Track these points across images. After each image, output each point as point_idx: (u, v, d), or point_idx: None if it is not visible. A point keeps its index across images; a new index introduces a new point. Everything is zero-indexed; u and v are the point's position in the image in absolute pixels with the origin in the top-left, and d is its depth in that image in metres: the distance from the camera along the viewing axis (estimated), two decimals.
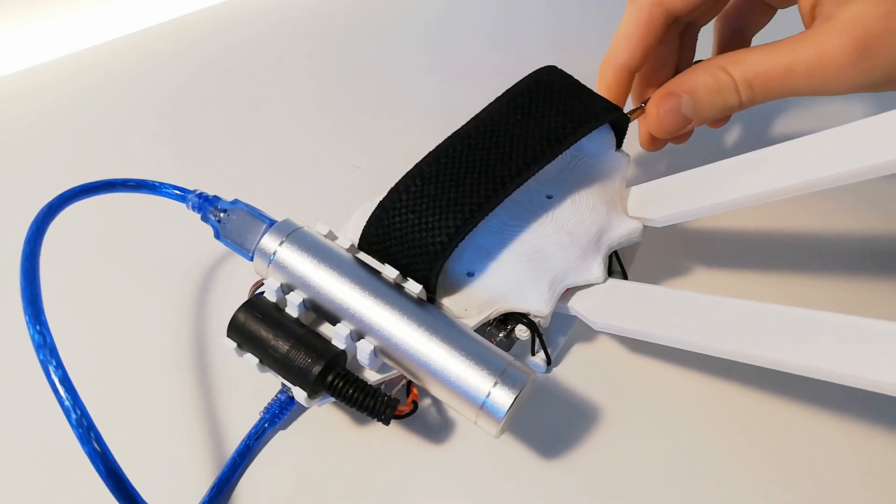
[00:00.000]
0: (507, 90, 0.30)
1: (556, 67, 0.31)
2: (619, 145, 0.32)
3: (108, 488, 0.22)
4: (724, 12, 0.34)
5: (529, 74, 0.30)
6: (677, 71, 0.33)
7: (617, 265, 0.32)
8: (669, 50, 0.34)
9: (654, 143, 0.34)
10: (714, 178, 0.29)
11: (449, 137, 0.28)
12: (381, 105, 0.45)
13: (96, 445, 0.22)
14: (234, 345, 0.26)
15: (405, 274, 0.26)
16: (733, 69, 0.28)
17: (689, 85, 0.29)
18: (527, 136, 0.28)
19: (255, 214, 0.28)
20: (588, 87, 0.30)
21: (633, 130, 0.33)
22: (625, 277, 0.32)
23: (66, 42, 0.51)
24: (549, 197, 0.30)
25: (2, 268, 0.33)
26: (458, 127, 0.29)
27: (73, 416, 0.22)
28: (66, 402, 0.22)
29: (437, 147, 0.28)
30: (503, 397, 0.23)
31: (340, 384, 0.24)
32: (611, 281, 0.29)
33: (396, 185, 0.27)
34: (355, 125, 0.44)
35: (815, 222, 0.36)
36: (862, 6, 0.25)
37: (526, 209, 0.30)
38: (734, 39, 0.34)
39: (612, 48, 0.31)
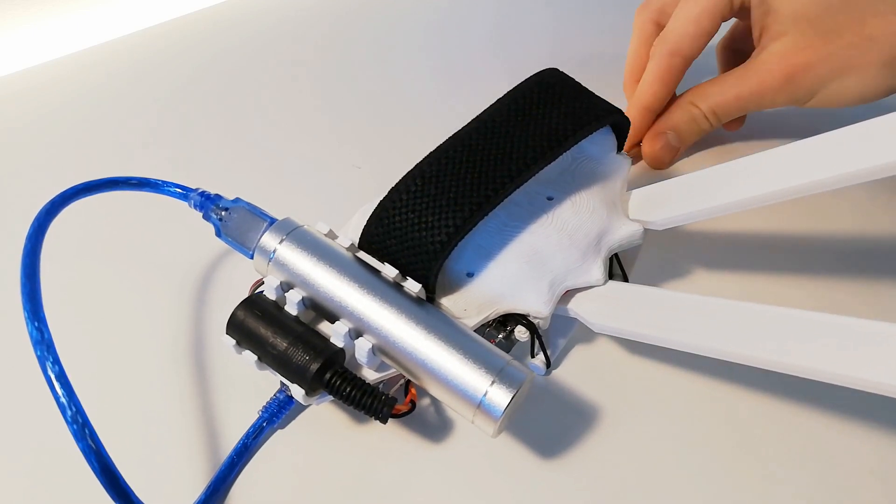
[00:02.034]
0: (508, 92, 0.30)
1: (558, 70, 0.31)
2: (620, 148, 0.32)
3: (102, 485, 0.22)
4: (723, 43, 0.43)
5: (531, 76, 0.30)
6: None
7: (618, 268, 0.32)
8: None
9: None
10: (714, 181, 0.29)
11: (450, 138, 0.28)
12: (382, 105, 0.45)
13: (91, 442, 0.22)
14: (233, 342, 0.26)
15: (405, 273, 0.26)
16: (700, 103, 0.37)
17: (671, 123, 0.38)
18: (527, 138, 0.28)
19: (256, 213, 0.28)
20: (589, 90, 0.30)
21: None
22: (625, 280, 0.32)
23: (66, 42, 0.51)
24: (550, 198, 0.30)
25: (3, 265, 0.33)
26: (459, 128, 0.29)
27: (69, 412, 0.22)
28: (62, 399, 0.22)
29: (437, 147, 0.28)
30: (500, 396, 0.23)
31: (338, 382, 0.24)
32: (611, 283, 0.29)
33: (397, 184, 0.27)
34: (355, 125, 0.44)
35: (815, 224, 0.36)
36: (788, 41, 0.34)
37: (526, 210, 0.30)
38: (735, 58, 0.42)
39: (638, 92, 0.38)
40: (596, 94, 0.30)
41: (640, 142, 0.39)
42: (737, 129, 0.41)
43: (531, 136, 0.28)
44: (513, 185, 0.27)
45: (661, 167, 0.39)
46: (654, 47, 0.38)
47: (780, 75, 0.34)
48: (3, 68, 0.49)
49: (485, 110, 0.29)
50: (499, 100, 0.29)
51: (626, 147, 0.34)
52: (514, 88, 0.30)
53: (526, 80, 0.30)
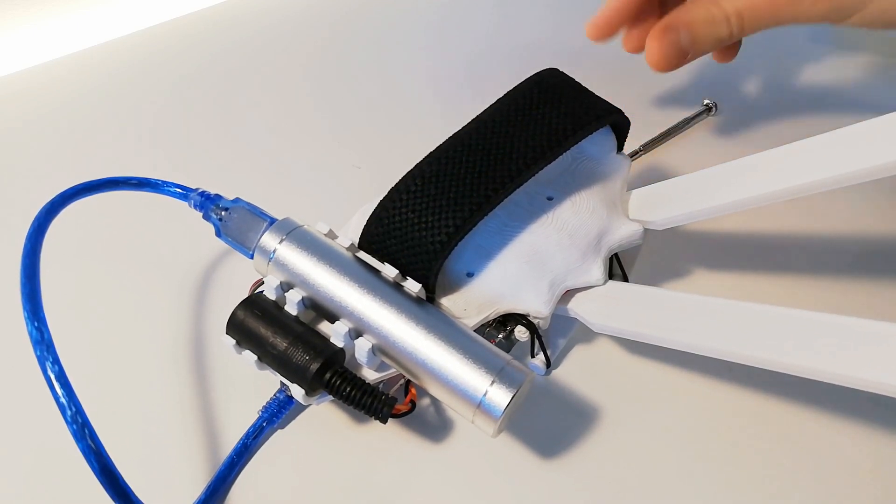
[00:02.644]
0: (508, 92, 0.30)
1: (558, 70, 0.31)
2: (620, 148, 0.32)
3: (102, 485, 0.22)
4: None
5: (531, 76, 0.30)
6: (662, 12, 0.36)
7: (618, 268, 0.32)
8: None
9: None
10: (714, 181, 0.29)
11: (450, 138, 0.28)
12: (382, 105, 0.45)
13: (90, 442, 0.22)
14: (233, 342, 0.26)
15: (405, 273, 0.26)
16: (724, 2, 0.31)
17: (686, 18, 0.32)
18: (527, 138, 0.28)
19: (256, 213, 0.28)
20: (590, 90, 0.30)
21: (634, 124, 0.32)
22: (625, 280, 0.32)
23: (66, 42, 0.51)
24: (550, 198, 0.30)
25: (3, 265, 0.33)
26: (459, 128, 0.29)
27: (69, 412, 0.22)
28: (62, 399, 0.22)
29: (437, 147, 0.28)
30: (500, 396, 0.23)
31: (338, 382, 0.24)
32: (611, 283, 0.29)
33: (397, 184, 0.27)
34: (355, 125, 0.44)
35: (814, 225, 0.36)
36: None
37: (526, 210, 0.30)
38: None
39: None
40: (596, 94, 0.30)
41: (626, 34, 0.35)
42: (729, 61, 0.37)
43: (531, 136, 0.28)
44: (513, 185, 0.27)
45: (664, 69, 0.33)
46: None
47: None
48: (3, 68, 0.49)
49: (485, 110, 0.29)
50: (499, 100, 0.29)
51: (602, 27, 0.34)
52: (513, 88, 0.30)
53: (526, 80, 0.30)
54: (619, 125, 0.31)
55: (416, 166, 0.27)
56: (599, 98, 0.30)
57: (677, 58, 0.32)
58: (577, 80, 0.31)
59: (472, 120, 0.29)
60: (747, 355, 0.24)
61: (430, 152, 0.28)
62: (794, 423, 0.28)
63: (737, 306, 0.25)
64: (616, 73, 0.44)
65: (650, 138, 0.40)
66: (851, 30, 0.30)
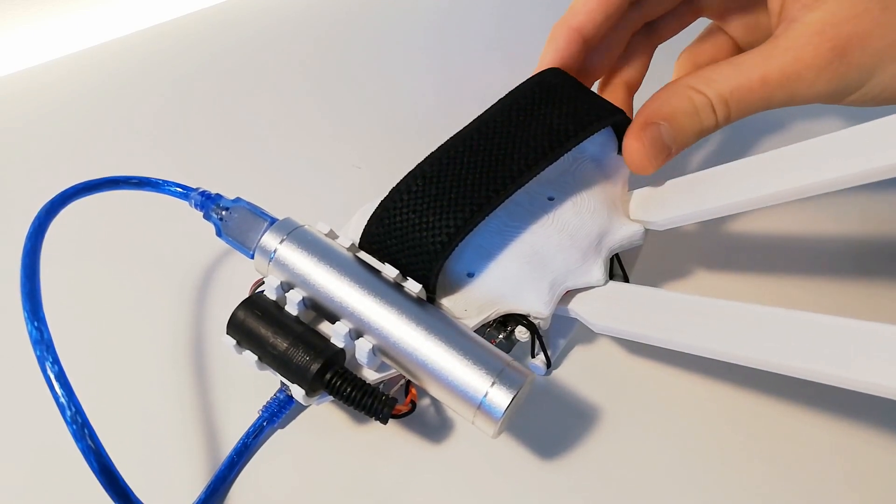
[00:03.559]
0: (509, 92, 0.30)
1: (560, 70, 0.31)
2: (621, 149, 0.32)
3: (102, 485, 0.22)
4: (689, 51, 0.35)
5: (532, 76, 0.30)
6: (627, 83, 0.34)
7: (618, 268, 0.32)
8: (631, 48, 0.34)
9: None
10: (715, 181, 0.29)
11: (451, 138, 0.28)
12: (382, 105, 0.45)
13: (90, 442, 0.22)
14: (234, 342, 0.26)
15: (405, 273, 0.26)
16: (706, 88, 0.27)
17: (665, 111, 0.28)
18: (529, 138, 0.28)
19: (257, 213, 0.28)
20: (591, 90, 0.30)
21: None
22: (626, 280, 0.32)
23: (66, 42, 0.51)
24: (551, 199, 0.30)
25: (2, 264, 0.33)
26: (460, 128, 0.29)
27: (68, 412, 0.22)
28: (62, 399, 0.22)
29: (439, 147, 0.28)
30: (500, 397, 0.23)
31: (339, 382, 0.24)
32: (611, 284, 0.29)
33: (398, 184, 0.27)
34: (355, 125, 0.44)
35: (816, 225, 0.36)
36: (833, 7, 0.25)
37: (527, 211, 0.30)
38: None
39: (567, 12, 0.31)
40: (597, 94, 0.30)
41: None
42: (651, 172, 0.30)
43: (532, 136, 0.28)
44: (514, 186, 0.27)
45: (649, 170, 0.29)
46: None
47: (826, 49, 0.25)
48: (3, 68, 0.49)
49: (486, 110, 0.29)
50: (500, 100, 0.29)
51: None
52: (515, 88, 0.30)
53: (527, 79, 0.30)
54: (621, 125, 0.31)
55: (417, 166, 0.27)
56: (601, 98, 0.30)
57: (659, 156, 0.28)
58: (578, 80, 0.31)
59: (474, 120, 0.29)
60: (747, 357, 0.24)
61: (432, 152, 0.28)
62: (794, 424, 0.28)
63: (737, 307, 0.25)
64: None
65: None
66: None
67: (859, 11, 0.25)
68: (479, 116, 0.29)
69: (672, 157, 0.29)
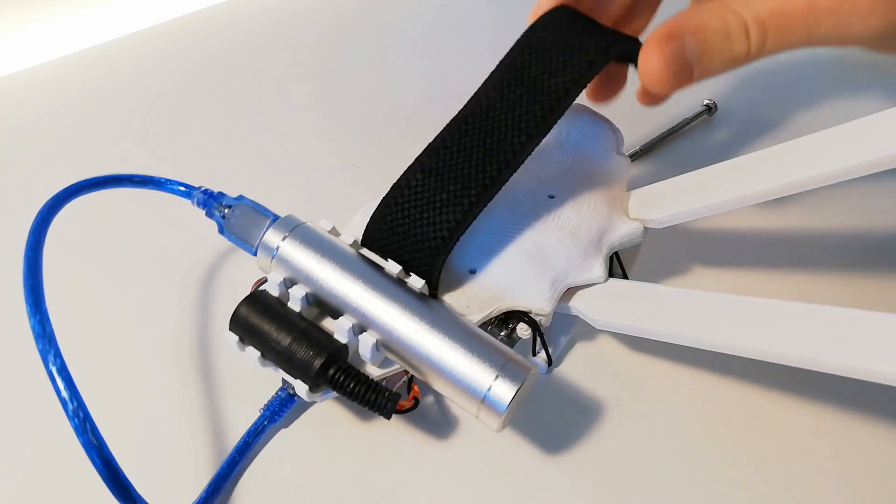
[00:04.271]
0: (503, 57, 0.28)
1: (551, 12, 0.28)
2: (620, 148, 0.32)
3: (104, 480, 0.22)
4: None
5: (523, 32, 0.28)
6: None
7: (618, 266, 0.32)
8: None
9: (650, 96, 0.30)
10: (713, 179, 0.29)
11: (448, 123, 0.28)
12: (382, 105, 0.46)
13: (92, 437, 0.22)
14: (237, 338, 0.26)
15: (408, 269, 0.26)
16: (743, 8, 0.23)
17: (694, 24, 0.23)
18: (522, 111, 0.26)
19: (260, 210, 0.28)
20: (589, 21, 0.27)
21: (634, 125, 0.32)
22: (625, 278, 0.32)
23: (66, 42, 0.51)
24: (552, 196, 0.30)
25: (5, 260, 0.33)
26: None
27: (70, 406, 0.22)
28: (64, 393, 0.22)
29: (437, 136, 0.28)
30: (504, 391, 0.23)
31: (342, 378, 0.24)
32: (611, 280, 0.29)
33: (399, 179, 0.27)
34: (356, 125, 0.44)
35: (811, 220, 0.36)
36: None
37: (528, 208, 0.30)
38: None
39: None
40: (596, 25, 0.27)
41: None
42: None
43: (525, 107, 0.26)
44: (509, 171, 0.26)
45: (666, 90, 0.25)
46: None
47: None
48: (3, 68, 0.49)
49: (479, 87, 0.28)
50: (491, 72, 0.28)
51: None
52: (508, 52, 0.28)
53: (519, 37, 0.28)
54: (627, 54, 0.27)
55: (416, 159, 0.27)
56: (597, 31, 0.27)
57: (682, 75, 0.24)
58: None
59: (470, 98, 0.28)
60: (748, 348, 0.24)
61: (430, 142, 0.27)
62: (796, 419, 0.28)
63: (736, 300, 0.26)
64: None
65: (650, 139, 0.40)
66: None
67: None
68: (473, 95, 0.28)
69: (693, 83, 0.25)
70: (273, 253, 0.26)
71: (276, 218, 0.27)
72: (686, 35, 0.23)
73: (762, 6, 0.23)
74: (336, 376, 0.24)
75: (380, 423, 0.28)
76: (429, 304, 0.25)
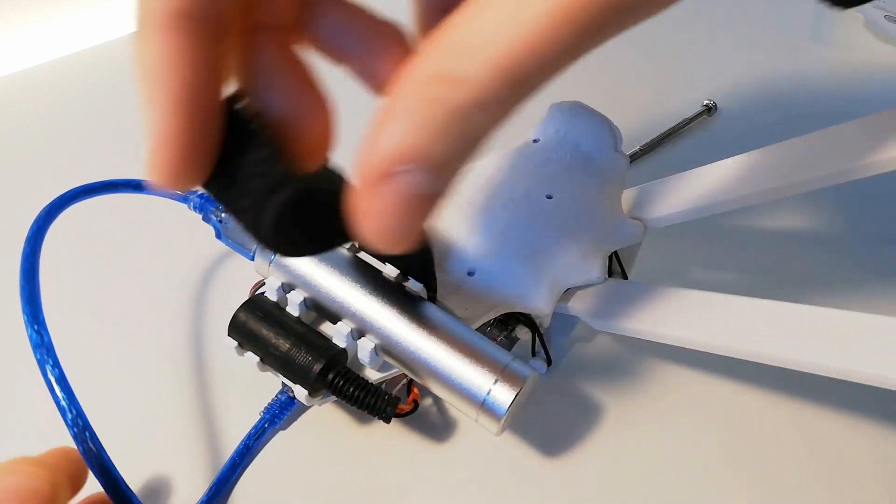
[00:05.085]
0: None
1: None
2: (617, 147, 0.32)
3: (103, 488, 0.22)
4: None
5: None
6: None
7: (617, 266, 0.32)
8: None
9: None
10: (712, 178, 0.29)
11: None
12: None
13: (91, 445, 0.22)
14: (235, 344, 0.26)
15: (406, 273, 0.26)
16: (467, 64, 0.14)
17: (406, 142, 0.14)
18: None
19: None
20: None
21: (634, 125, 0.32)
22: (625, 278, 0.32)
23: (66, 42, 0.51)
24: (549, 197, 0.30)
25: (2, 268, 0.33)
26: None
27: (69, 415, 0.22)
28: (62, 402, 0.22)
29: None
30: (504, 395, 0.23)
31: (341, 382, 0.24)
32: (610, 281, 0.29)
33: None
34: (356, 127, 0.44)
35: (812, 219, 0.36)
36: None
37: (526, 210, 0.30)
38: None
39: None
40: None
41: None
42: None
43: None
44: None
45: (399, 249, 0.16)
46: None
47: None
48: (3, 68, 0.49)
49: None
50: None
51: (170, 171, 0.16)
52: None
53: None
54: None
55: None
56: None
57: (417, 218, 0.15)
58: (576, 82, 0.28)
59: None
60: (748, 350, 0.24)
61: None
62: (796, 419, 0.28)
63: (736, 301, 0.26)
64: (615, 73, 0.43)
65: (650, 139, 0.40)
66: (851, 29, 0.28)
67: None
68: None
69: (438, 205, 0.15)
70: (271, 257, 0.26)
71: None
72: (407, 165, 0.14)
73: (491, 50, 0.14)
74: (335, 381, 0.24)
75: (379, 426, 0.28)
76: (427, 307, 0.25)
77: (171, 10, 0.15)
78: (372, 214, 0.15)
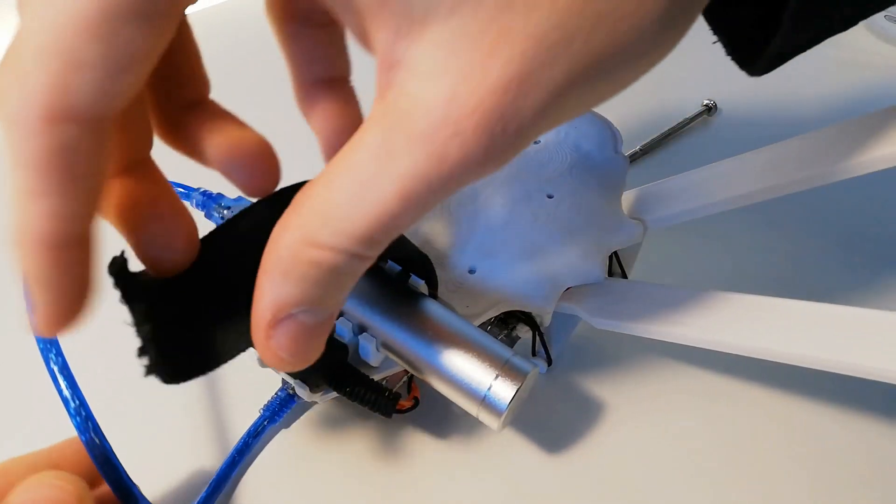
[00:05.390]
0: None
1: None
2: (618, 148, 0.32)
3: (105, 478, 0.22)
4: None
5: None
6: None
7: (617, 266, 0.32)
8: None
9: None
10: (711, 178, 0.29)
11: None
12: None
13: (93, 436, 0.22)
14: None
15: (407, 270, 0.26)
16: (324, 232, 0.16)
17: (288, 294, 0.17)
18: None
19: None
20: None
21: (634, 125, 0.33)
22: (625, 278, 0.32)
23: None
24: (550, 196, 0.30)
25: (5, 259, 0.33)
26: None
27: (72, 405, 0.22)
28: (65, 392, 0.22)
29: None
30: (505, 390, 0.23)
31: (342, 378, 0.24)
32: (611, 280, 0.29)
33: None
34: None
35: (812, 218, 0.36)
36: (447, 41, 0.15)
37: (527, 208, 0.30)
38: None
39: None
40: None
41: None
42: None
43: None
44: None
45: (304, 366, 0.19)
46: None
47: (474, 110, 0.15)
48: None
49: None
50: None
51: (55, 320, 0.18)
52: None
53: None
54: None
55: None
56: None
57: (313, 344, 0.18)
58: None
59: None
60: (748, 347, 0.24)
61: None
62: (796, 416, 0.28)
63: (736, 299, 0.26)
64: None
65: (650, 139, 0.40)
66: (850, 30, 0.28)
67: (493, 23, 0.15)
68: None
69: (328, 327, 0.18)
70: None
71: None
72: (295, 308, 0.17)
73: (347, 224, 0.16)
74: (336, 377, 0.24)
75: (380, 421, 0.28)
76: (428, 303, 0.25)
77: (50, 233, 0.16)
78: (272, 354, 0.18)
